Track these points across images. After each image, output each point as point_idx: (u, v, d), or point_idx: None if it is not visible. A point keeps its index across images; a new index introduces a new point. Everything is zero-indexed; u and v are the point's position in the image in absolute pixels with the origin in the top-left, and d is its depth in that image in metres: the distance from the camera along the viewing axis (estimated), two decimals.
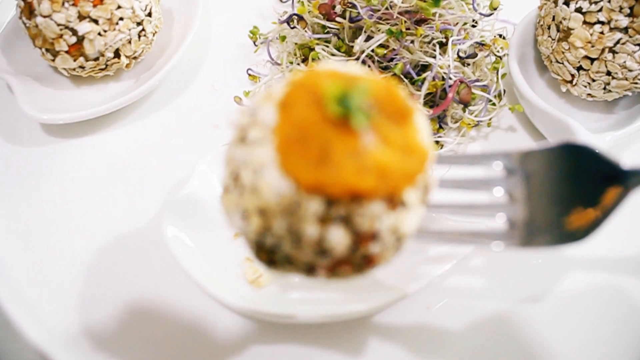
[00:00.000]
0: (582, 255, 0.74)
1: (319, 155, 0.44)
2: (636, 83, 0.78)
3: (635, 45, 0.75)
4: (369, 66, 0.85)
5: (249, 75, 0.91)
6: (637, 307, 0.71)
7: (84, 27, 0.78)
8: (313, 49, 0.88)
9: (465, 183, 0.61)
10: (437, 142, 0.84)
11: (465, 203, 0.60)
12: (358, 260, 0.50)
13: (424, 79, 0.83)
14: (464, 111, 0.85)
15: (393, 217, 0.48)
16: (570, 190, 0.56)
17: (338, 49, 0.88)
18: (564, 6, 0.78)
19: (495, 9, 0.91)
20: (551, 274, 0.73)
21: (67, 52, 0.80)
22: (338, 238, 0.46)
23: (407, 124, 0.47)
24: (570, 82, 0.82)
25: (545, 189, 0.57)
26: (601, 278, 0.73)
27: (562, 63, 0.80)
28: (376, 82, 0.48)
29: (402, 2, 0.84)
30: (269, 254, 0.51)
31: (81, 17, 0.78)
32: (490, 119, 0.86)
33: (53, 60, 0.82)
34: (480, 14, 0.90)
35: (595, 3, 0.76)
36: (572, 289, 0.72)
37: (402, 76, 0.84)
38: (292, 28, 0.91)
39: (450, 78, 0.83)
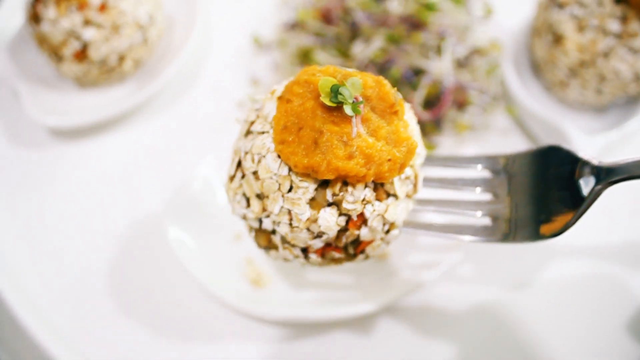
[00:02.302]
0: (576, 245, 0.77)
1: (312, 141, 0.49)
2: (628, 87, 0.80)
3: (627, 50, 0.76)
4: (367, 69, 0.86)
5: (250, 79, 0.93)
6: (625, 294, 0.73)
7: (88, 33, 0.79)
8: (312, 53, 0.90)
9: (452, 182, 0.64)
10: (433, 144, 0.86)
11: (451, 200, 0.63)
12: (349, 245, 0.54)
13: (421, 82, 0.85)
14: (460, 114, 0.87)
15: (381, 206, 0.52)
16: (549, 188, 0.59)
17: (337, 53, 0.90)
18: (558, 12, 0.80)
19: (489, 14, 0.93)
20: (544, 263, 0.75)
21: (72, 57, 0.81)
22: (329, 219, 0.51)
23: (395, 118, 0.51)
24: (564, 86, 0.83)
25: (526, 188, 0.60)
26: (593, 267, 0.75)
27: (556, 67, 0.82)
28: (368, 78, 0.52)
29: (399, 7, 0.86)
30: (267, 239, 0.55)
31: (86, 23, 0.79)
32: (485, 122, 0.88)
33: (58, 65, 0.83)
34: (475, 19, 0.91)
35: (588, 9, 0.78)
36: (563, 278, 0.74)
37: (399, 80, 0.86)
38: (292, 32, 0.92)
39: (446, 82, 0.85)
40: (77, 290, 0.74)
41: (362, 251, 0.55)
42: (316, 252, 0.54)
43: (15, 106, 0.88)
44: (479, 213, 0.62)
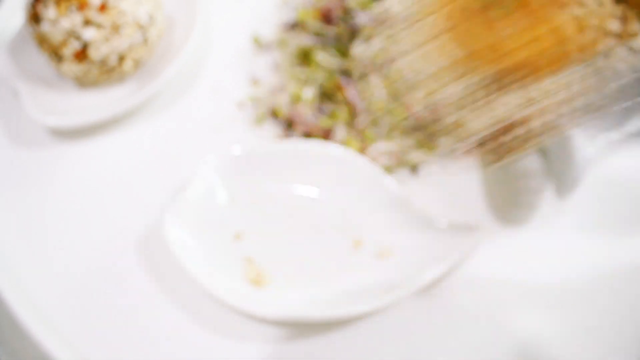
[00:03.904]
0: (579, 243, 0.77)
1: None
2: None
3: (627, 50, 0.76)
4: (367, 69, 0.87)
5: (250, 79, 0.93)
6: (619, 287, 0.73)
7: (88, 33, 0.79)
8: (313, 53, 0.90)
9: None
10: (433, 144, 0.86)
11: None
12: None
13: None
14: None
15: None
16: None
17: (337, 53, 0.90)
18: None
19: None
20: (547, 260, 0.75)
21: (72, 57, 0.81)
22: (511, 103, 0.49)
23: None
24: None
25: None
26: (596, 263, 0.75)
27: None
28: None
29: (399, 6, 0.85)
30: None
31: (86, 23, 0.79)
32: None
33: (58, 65, 0.83)
34: None
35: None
36: (568, 272, 0.74)
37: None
38: (292, 32, 0.93)
39: None
40: (77, 290, 0.74)
41: None
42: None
43: (15, 106, 0.88)
44: None
